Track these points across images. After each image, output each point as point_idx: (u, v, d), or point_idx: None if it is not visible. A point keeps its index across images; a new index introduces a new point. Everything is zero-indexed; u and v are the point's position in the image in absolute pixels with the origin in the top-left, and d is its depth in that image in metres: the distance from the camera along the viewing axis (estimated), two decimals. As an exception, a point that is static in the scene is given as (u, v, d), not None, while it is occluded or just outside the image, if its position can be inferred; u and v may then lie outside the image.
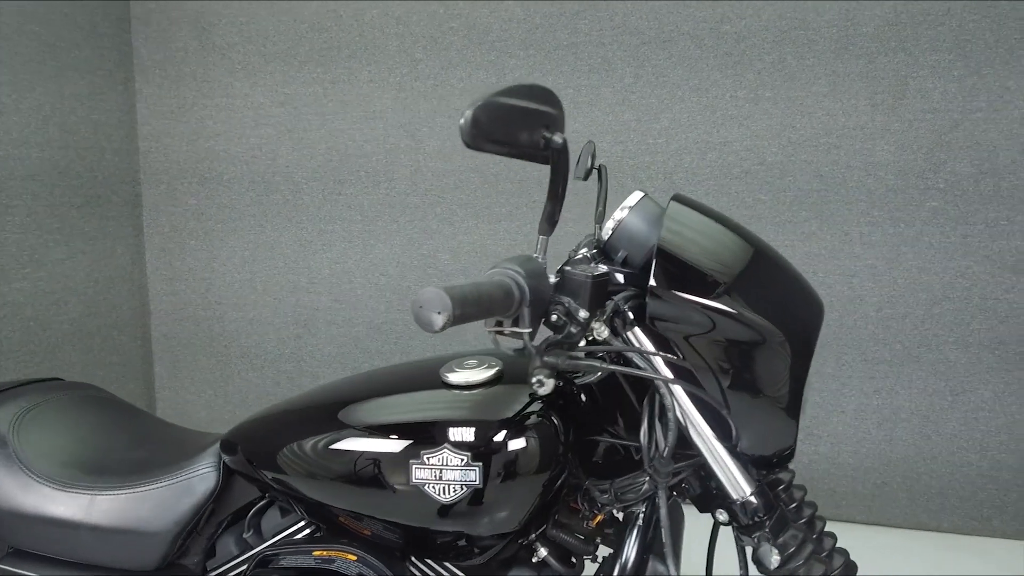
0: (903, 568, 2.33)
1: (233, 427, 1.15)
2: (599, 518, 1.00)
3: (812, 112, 2.57)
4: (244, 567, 1.09)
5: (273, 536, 1.10)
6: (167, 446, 1.25)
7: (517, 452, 0.93)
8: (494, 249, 2.89)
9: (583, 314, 0.91)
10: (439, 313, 0.76)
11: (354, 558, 0.98)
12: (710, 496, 0.96)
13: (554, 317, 0.89)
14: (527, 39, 2.76)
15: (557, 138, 0.91)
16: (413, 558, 1.03)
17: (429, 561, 1.03)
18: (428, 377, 1.06)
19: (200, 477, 1.11)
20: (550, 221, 0.97)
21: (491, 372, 1.01)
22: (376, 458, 0.97)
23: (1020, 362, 2.52)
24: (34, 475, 1.15)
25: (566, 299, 0.91)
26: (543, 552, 1.02)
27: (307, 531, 1.08)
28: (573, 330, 0.88)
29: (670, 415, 0.87)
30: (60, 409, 1.28)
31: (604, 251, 1.02)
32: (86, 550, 1.12)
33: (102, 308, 3.06)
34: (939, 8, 2.43)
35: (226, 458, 1.11)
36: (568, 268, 0.95)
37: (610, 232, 0.98)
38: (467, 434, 0.95)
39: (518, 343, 0.92)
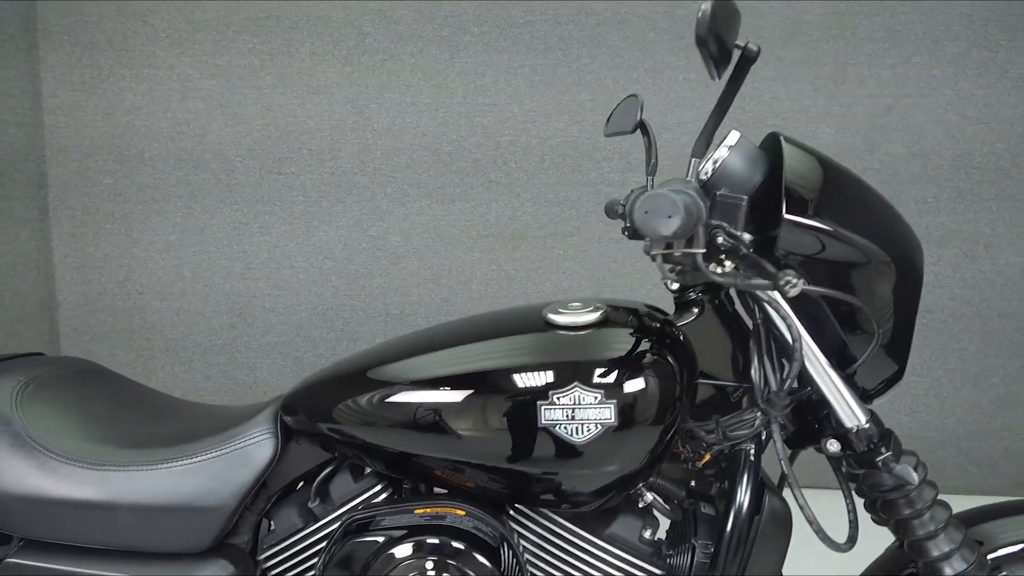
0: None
1: (294, 388, 1.04)
2: (706, 458, 0.98)
3: (760, 95, 2.68)
4: (313, 537, 0.99)
5: (345, 503, 1.00)
6: (199, 418, 1.12)
7: (645, 389, 0.90)
8: (448, 231, 2.82)
9: (747, 237, 0.90)
10: (670, 217, 0.72)
11: (463, 513, 0.92)
12: (807, 431, 0.96)
13: (720, 239, 0.86)
14: (481, 15, 2.72)
15: (753, 46, 0.89)
16: (514, 508, 0.97)
17: (527, 511, 0.97)
18: (529, 320, 1.01)
19: (257, 444, 0.99)
20: (708, 141, 0.95)
21: (598, 314, 0.97)
22: (497, 403, 0.91)
23: (943, 329, 2.73)
24: (53, 454, 1.00)
25: (722, 223, 0.89)
26: (649, 497, 0.99)
27: (383, 495, 1.00)
28: (736, 253, 0.86)
29: (796, 345, 0.87)
30: (59, 383, 1.11)
31: (704, 189, 1.00)
32: (124, 534, 0.98)
33: (5, 299, 2.74)
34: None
35: (289, 419, 1.01)
36: (722, 192, 0.92)
37: (711, 171, 0.96)
38: (597, 372, 0.90)
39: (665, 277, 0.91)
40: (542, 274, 2.81)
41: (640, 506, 1.00)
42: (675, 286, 0.99)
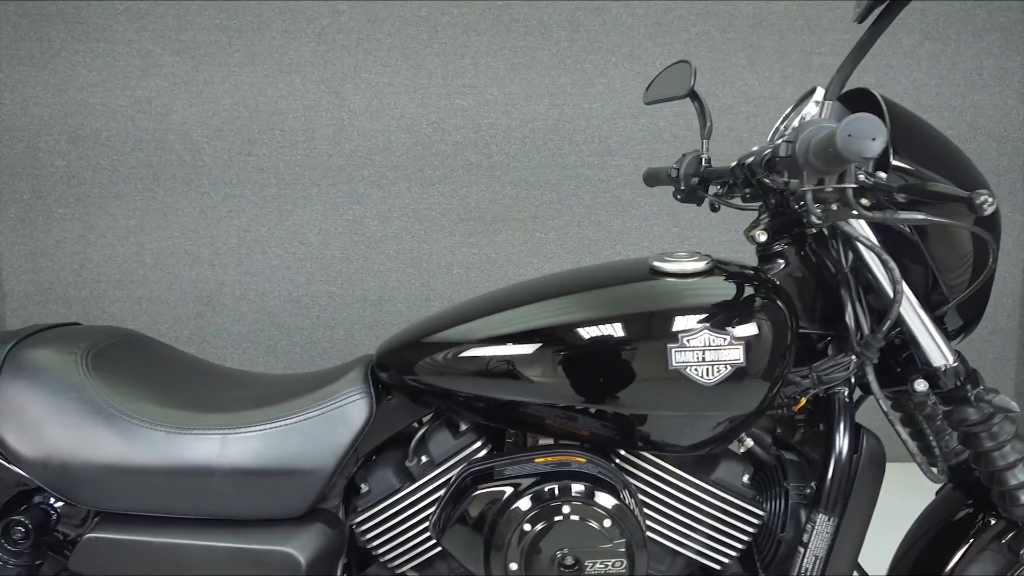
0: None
1: (388, 346, 1.01)
2: (802, 403, 1.01)
3: (732, 82, 2.77)
4: (413, 497, 0.96)
5: (445, 460, 0.98)
6: (274, 382, 1.07)
7: (766, 332, 0.92)
8: (427, 214, 2.79)
9: (882, 175, 0.93)
10: (874, 139, 0.73)
11: (584, 459, 0.91)
12: (890, 372, 1.00)
13: (862, 177, 0.89)
14: (461, -4, 2.70)
15: None
16: (618, 455, 0.97)
17: (631, 457, 0.98)
18: (632, 270, 1.01)
19: (353, 404, 0.96)
20: (842, 83, 0.97)
21: (704, 263, 0.99)
22: (624, 348, 0.91)
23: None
24: (136, 420, 0.93)
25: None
26: (749, 443, 1.01)
27: (483, 451, 0.98)
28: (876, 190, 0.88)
29: (897, 288, 0.91)
30: (117, 351, 1.04)
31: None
32: (216, 501, 0.92)
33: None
34: (838, -8, 2.73)
35: (385, 376, 0.98)
36: None
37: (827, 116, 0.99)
38: (724, 315, 0.92)
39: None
40: (523, 257, 2.82)
41: (740, 452, 1.02)
42: (762, 238, 1.02)
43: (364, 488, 1.01)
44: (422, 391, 0.96)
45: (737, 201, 1.24)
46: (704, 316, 0.91)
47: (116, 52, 2.70)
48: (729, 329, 0.91)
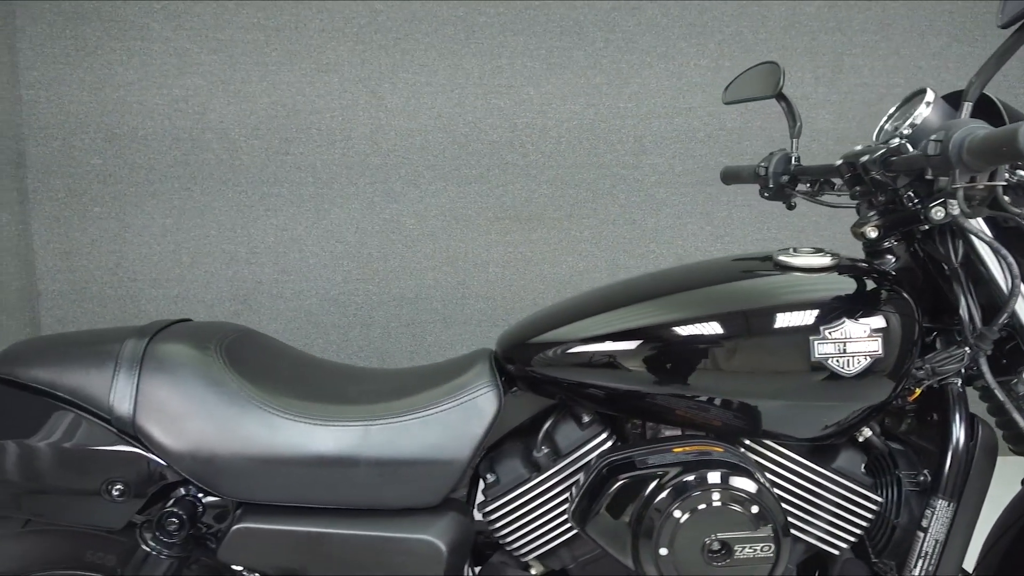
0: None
1: (512, 340, 1.03)
2: (916, 394, 1.05)
3: (765, 82, 2.81)
4: (542, 487, 0.99)
5: (572, 451, 1.00)
6: (396, 376, 1.09)
7: (900, 324, 0.95)
8: (463, 213, 2.81)
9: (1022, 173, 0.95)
10: None
11: (721, 449, 0.94)
12: (997, 363, 1.03)
13: (1006, 175, 0.91)
14: (498, -4, 2.72)
15: None
16: (747, 442, 1.00)
17: (756, 446, 1.00)
18: (757, 265, 1.04)
19: (484, 396, 0.98)
20: (982, 86, 0.99)
21: (829, 258, 1.02)
22: (765, 340, 0.94)
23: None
24: (280, 413, 0.95)
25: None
26: (867, 432, 1.05)
27: (608, 442, 1.01)
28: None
29: (1016, 282, 0.94)
30: (244, 346, 1.06)
31: (911, 143, 1.06)
32: (360, 490, 0.94)
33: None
34: (869, -6, 2.78)
35: (512, 368, 1.00)
36: None
37: (910, 128, 1.02)
38: (862, 308, 0.95)
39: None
40: (558, 256, 2.85)
41: (859, 441, 1.05)
42: (873, 235, 1.05)
43: (490, 478, 1.03)
44: (549, 384, 0.99)
45: (828, 198, 1.27)
46: (843, 309, 0.94)
47: (153, 51, 2.70)
48: (867, 321, 0.94)
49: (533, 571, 1.04)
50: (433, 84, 2.76)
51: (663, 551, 0.88)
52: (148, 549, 0.92)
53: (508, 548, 1.03)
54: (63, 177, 2.73)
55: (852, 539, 1.03)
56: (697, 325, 0.94)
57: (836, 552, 1.04)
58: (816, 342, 0.93)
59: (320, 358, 1.18)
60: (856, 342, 0.93)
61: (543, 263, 2.85)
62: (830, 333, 0.93)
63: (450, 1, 2.72)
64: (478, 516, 1.05)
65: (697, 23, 2.78)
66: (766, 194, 1.32)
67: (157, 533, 0.93)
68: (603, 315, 0.98)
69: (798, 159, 1.27)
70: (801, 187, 1.30)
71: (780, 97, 1.27)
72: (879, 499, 1.04)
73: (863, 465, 1.05)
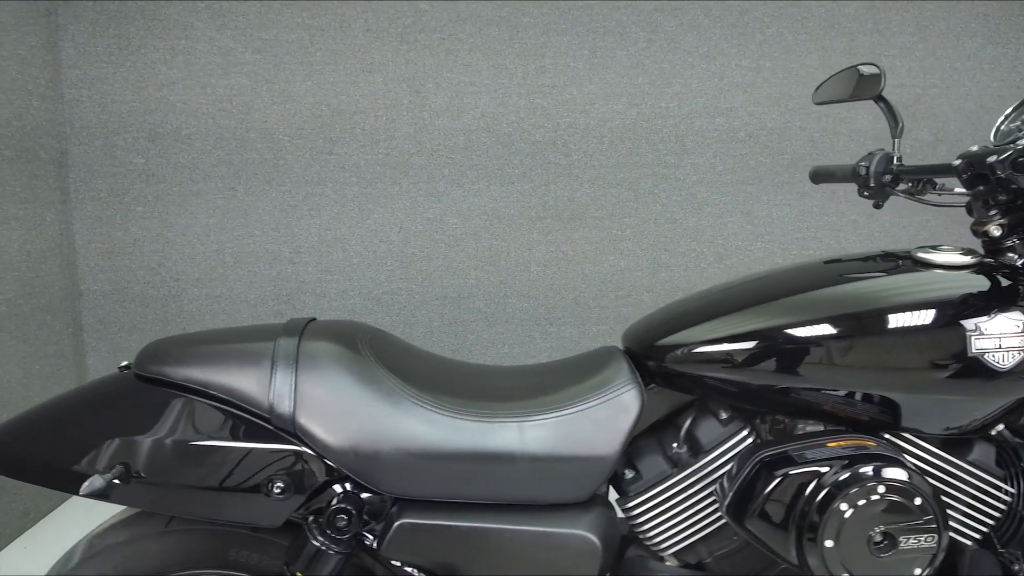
0: None
1: (639, 337, 1.04)
2: None
3: (805, 82, 2.85)
4: (684, 483, 1.00)
5: (713, 448, 1.02)
6: (527, 373, 1.10)
7: None
8: (506, 212, 2.83)
9: None
10: None
11: (873, 443, 0.96)
12: None
13: None
14: (542, -3, 2.73)
15: None
16: (886, 436, 1.02)
17: (894, 439, 1.02)
18: (897, 263, 1.06)
19: (628, 393, 0.99)
20: None
21: (970, 257, 1.04)
22: (920, 335, 0.95)
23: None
24: (438, 410, 0.96)
25: None
26: (1000, 426, 1.07)
27: (748, 439, 1.02)
28: None
29: None
30: (380, 344, 1.06)
31: None
32: (516, 485, 0.95)
33: (34, 287, 2.51)
34: (907, -4, 2.82)
35: (652, 364, 1.01)
36: None
37: None
38: (1009, 303, 0.97)
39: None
40: (600, 254, 2.87)
41: (993, 433, 1.08)
42: (997, 233, 1.07)
43: (629, 474, 1.05)
44: (691, 381, 1.00)
45: (931, 197, 1.29)
46: (994, 304, 0.97)
47: (197, 50, 2.69)
48: (1017, 316, 0.96)
49: (668, 563, 1.05)
50: (477, 84, 2.77)
51: (828, 544, 0.90)
52: (318, 545, 0.93)
53: (647, 542, 1.05)
54: (105, 176, 2.72)
55: (985, 529, 1.06)
56: (847, 321, 0.96)
57: (969, 543, 1.06)
58: (973, 337, 0.95)
59: (441, 355, 1.19)
60: (1010, 337, 0.96)
61: (585, 262, 2.87)
62: (985, 328, 0.95)
63: (494, 1, 2.73)
64: (618, 511, 1.07)
65: (738, 24, 2.81)
66: (865, 193, 1.34)
67: (327, 529, 0.94)
68: (746, 311, 1.00)
69: (900, 159, 1.29)
70: (902, 186, 1.32)
71: (879, 99, 1.29)
72: (1012, 490, 1.06)
73: (994, 457, 1.08)
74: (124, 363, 1.05)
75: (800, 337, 0.96)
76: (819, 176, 1.54)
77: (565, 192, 2.83)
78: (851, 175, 1.39)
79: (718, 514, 1.03)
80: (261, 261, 2.80)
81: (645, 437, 1.08)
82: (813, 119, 2.85)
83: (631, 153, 2.83)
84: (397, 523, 0.94)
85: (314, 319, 1.16)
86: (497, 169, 2.81)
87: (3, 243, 2.34)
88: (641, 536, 1.05)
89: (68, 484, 0.93)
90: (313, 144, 2.75)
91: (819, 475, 0.92)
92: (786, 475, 0.93)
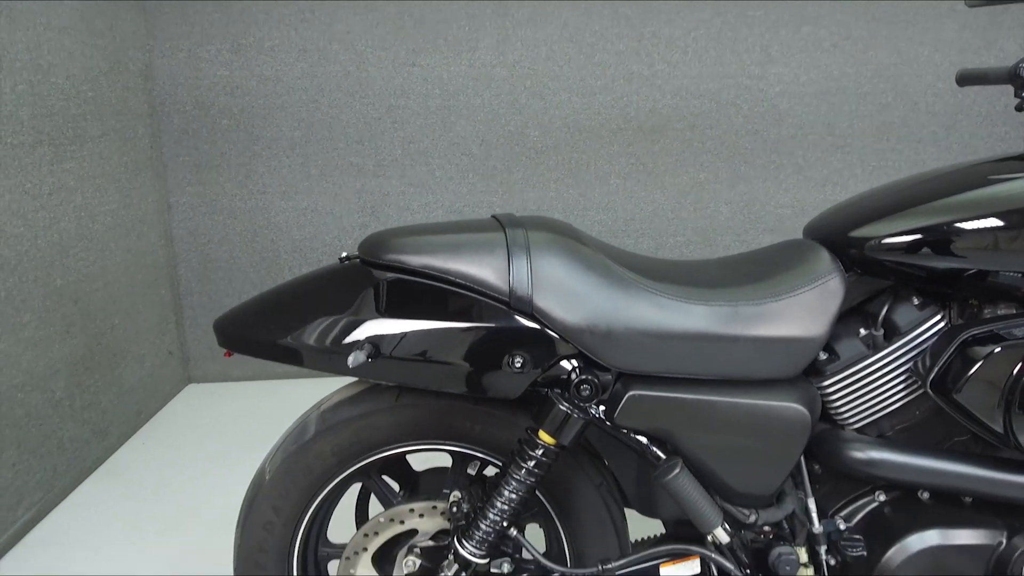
0: None
1: (834, 230, 1.09)
2: None
3: None
4: (881, 362, 1.07)
5: (910, 331, 1.08)
6: (730, 264, 1.16)
7: None
8: (587, 124, 2.83)
9: None
10: None
11: None
12: None
13: None
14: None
15: None
16: None
17: None
18: None
19: (833, 280, 1.05)
20: None
21: None
22: None
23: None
24: (663, 294, 1.02)
25: None
26: None
27: (942, 323, 1.09)
28: None
29: None
30: (588, 237, 1.12)
31: None
32: (735, 362, 1.02)
33: (131, 199, 2.56)
34: None
35: (854, 252, 1.07)
36: None
37: None
38: None
39: None
40: (680, 166, 2.89)
41: None
42: None
43: (823, 356, 1.12)
44: (889, 267, 1.05)
45: None
46: None
47: (278, -43, 2.65)
48: None
49: (846, 432, 1.13)
50: (560, -8, 2.73)
51: None
52: (565, 410, 1.01)
53: (836, 417, 1.12)
54: (190, 90, 2.73)
55: None
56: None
57: None
58: None
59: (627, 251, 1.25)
60: None
61: (664, 174, 2.90)
62: None
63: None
64: None
65: None
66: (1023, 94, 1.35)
67: (574, 399, 1.02)
68: (948, 199, 1.04)
69: None
70: None
71: None
72: None
73: None
74: (344, 255, 1.10)
75: (984, 228, 1.00)
76: (968, 79, 1.55)
77: (647, 103, 2.83)
78: (1007, 77, 1.40)
79: (907, 392, 1.10)
80: (346, 174, 2.83)
81: (840, 323, 1.15)
82: (899, 28, 2.82)
83: (714, 63, 2.81)
84: (628, 395, 1.02)
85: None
86: (579, 80, 2.80)
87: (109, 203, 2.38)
88: (832, 412, 1.12)
89: (321, 363, 1.00)
90: (396, 56, 2.74)
91: None
92: (1000, 349, 0.99)
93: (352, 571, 1.16)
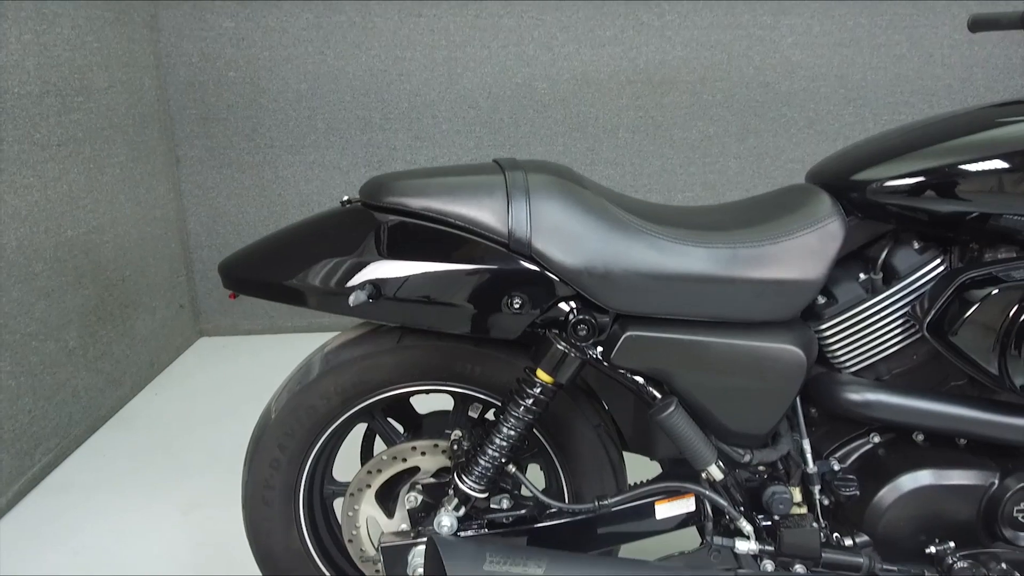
0: None
1: (836, 173, 1.08)
2: None
3: None
4: (879, 306, 1.08)
5: (909, 274, 1.09)
6: (729, 209, 1.16)
7: None
8: (595, 77, 2.80)
9: None
10: None
11: None
12: None
13: None
14: None
15: None
16: None
17: None
18: None
19: (833, 223, 1.05)
20: None
21: None
22: None
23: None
24: (661, 236, 1.03)
25: None
26: None
27: (941, 267, 1.09)
28: None
29: None
30: (588, 182, 1.12)
31: None
32: (730, 304, 1.03)
33: (139, 152, 2.56)
34: None
35: (856, 196, 1.07)
36: None
37: None
38: None
39: None
40: (689, 120, 2.86)
41: None
42: None
43: (822, 300, 1.12)
44: (891, 211, 1.05)
45: None
46: None
47: (282, -96, 2.61)
48: None
49: (843, 375, 1.14)
50: (569, -60, 2.68)
51: None
52: (563, 349, 1.02)
53: (832, 361, 1.13)
54: (195, 40, 2.71)
55: None
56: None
57: None
58: None
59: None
60: None
61: (673, 127, 2.87)
62: None
63: None
64: None
65: None
66: None
67: (571, 338, 1.03)
68: (939, 146, 1.03)
69: None
70: None
71: None
72: None
73: None
74: (346, 198, 1.11)
75: (988, 170, 1.00)
76: (980, 24, 1.52)
77: (656, 55, 2.79)
78: (1020, 21, 1.38)
79: (904, 336, 1.11)
80: (352, 127, 2.83)
81: (839, 267, 1.15)
82: (916, -24, 2.75)
83: (725, 13, 2.76)
84: (625, 335, 1.03)
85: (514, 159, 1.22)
86: (588, 31, 2.76)
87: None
88: (829, 356, 1.13)
89: (324, 303, 1.02)
90: (402, 7, 2.71)
91: None
92: (997, 291, 0.99)
93: (356, 507, 1.19)
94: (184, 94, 2.76)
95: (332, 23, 2.72)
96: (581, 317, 1.03)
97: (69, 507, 1.87)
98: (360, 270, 1.01)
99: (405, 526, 1.19)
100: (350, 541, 1.21)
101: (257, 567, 1.27)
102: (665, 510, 1.13)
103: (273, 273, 1.04)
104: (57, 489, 1.95)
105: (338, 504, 1.31)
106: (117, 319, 2.39)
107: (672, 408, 1.04)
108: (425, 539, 1.10)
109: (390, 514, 1.21)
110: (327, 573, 1.25)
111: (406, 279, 1.01)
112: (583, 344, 1.04)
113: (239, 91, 2.77)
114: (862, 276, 1.12)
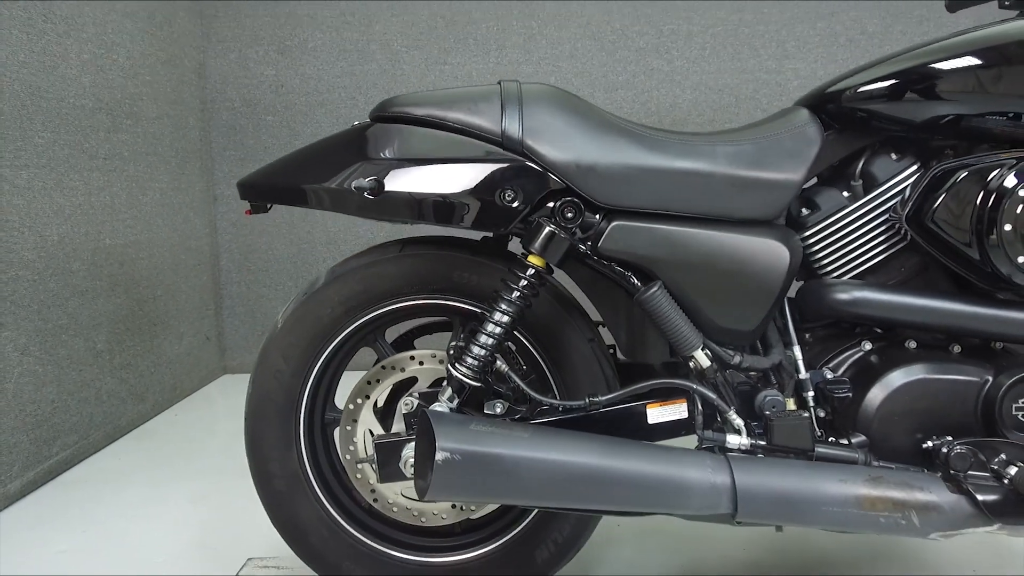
0: None
1: (815, 93, 1.15)
2: None
3: (905, -13, 2.89)
4: (859, 211, 1.11)
5: (887, 180, 1.12)
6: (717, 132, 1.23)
7: None
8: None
9: None
10: None
11: None
12: None
13: None
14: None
15: None
16: None
17: None
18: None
19: (811, 127, 1.11)
20: None
21: None
22: None
23: None
24: (644, 132, 1.10)
25: None
26: None
27: (919, 172, 1.13)
28: None
29: None
30: (583, 99, 1.21)
31: None
32: (712, 198, 1.08)
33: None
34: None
35: (832, 107, 1.12)
36: None
37: None
38: None
39: None
40: (701, 158, 2.96)
41: None
42: None
43: (806, 211, 1.16)
44: (865, 117, 1.10)
45: None
46: None
47: (322, -33, 2.87)
48: None
49: (829, 279, 1.15)
50: (583, -6, 2.89)
51: (1007, 227, 1.00)
52: (552, 229, 1.07)
53: (821, 272, 1.16)
54: (239, 87, 2.93)
55: None
56: (994, 52, 1.04)
57: None
58: None
59: None
60: None
61: (686, 166, 2.97)
62: None
63: (601, -86, 2.85)
64: None
65: (839, -70, 2.87)
66: (1007, 3, 1.41)
67: (558, 219, 1.08)
68: (910, 54, 1.10)
69: None
70: None
71: None
72: None
73: None
74: (356, 122, 1.21)
75: (961, 67, 1.05)
76: (956, 3, 1.62)
77: (667, 98, 2.94)
78: None
79: (887, 239, 1.14)
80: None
81: (821, 182, 1.20)
82: (914, 23, 2.90)
83: (732, 59, 2.92)
84: (613, 224, 1.08)
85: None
86: (602, 76, 2.93)
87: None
88: (816, 266, 1.16)
89: (334, 202, 1.09)
90: (428, 54, 2.92)
91: (999, 166, 1.01)
92: (967, 171, 1.03)
93: (355, 418, 1.21)
94: (226, 136, 2.96)
95: (364, 71, 2.93)
96: (568, 199, 1.09)
97: (81, 503, 1.89)
98: (366, 168, 1.09)
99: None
100: (347, 457, 1.23)
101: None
102: (657, 414, 1.13)
103: (287, 179, 1.13)
104: (70, 485, 1.98)
105: (338, 434, 1.33)
106: (145, 334, 2.47)
107: (655, 288, 1.07)
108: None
109: (388, 429, 1.22)
110: (323, 500, 1.25)
111: (407, 175, 1.08)
112: (571, 226, 1.09)
113: (275, 134, 2.96)
114: (843, 186, 1.17)
